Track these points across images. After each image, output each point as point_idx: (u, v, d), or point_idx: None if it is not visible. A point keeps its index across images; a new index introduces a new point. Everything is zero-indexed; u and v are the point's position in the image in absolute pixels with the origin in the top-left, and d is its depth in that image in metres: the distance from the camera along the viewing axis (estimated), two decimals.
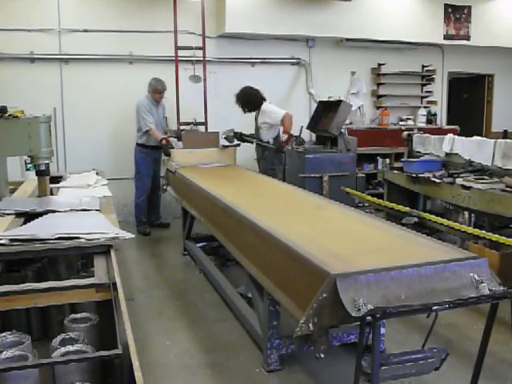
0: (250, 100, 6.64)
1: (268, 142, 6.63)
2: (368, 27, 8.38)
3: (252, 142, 6.85)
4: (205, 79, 7.45)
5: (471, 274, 2.62)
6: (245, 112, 6.72)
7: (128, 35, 7.53)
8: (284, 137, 6.48)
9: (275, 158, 6.66)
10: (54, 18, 7.23)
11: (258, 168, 7.06)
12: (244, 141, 6.73)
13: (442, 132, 7.41)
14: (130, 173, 7.41)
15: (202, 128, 7.42)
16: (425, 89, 9.62)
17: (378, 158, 8.81)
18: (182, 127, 7.26)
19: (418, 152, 6.70)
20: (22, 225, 3.33)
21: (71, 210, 3.66)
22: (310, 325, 2.42)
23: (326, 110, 7.64)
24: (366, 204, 6.95)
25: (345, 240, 3.17)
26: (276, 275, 3.13)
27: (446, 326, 4.17)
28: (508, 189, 4.89)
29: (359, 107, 8.89)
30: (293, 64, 8.64)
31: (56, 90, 7.38)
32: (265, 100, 6.68)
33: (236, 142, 6.62)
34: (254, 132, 6.84)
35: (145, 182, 7.23)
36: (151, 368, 3.58)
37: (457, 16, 9.01)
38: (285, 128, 6.51)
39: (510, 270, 3.72)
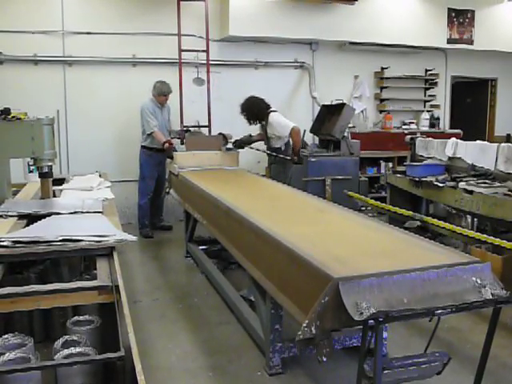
0: (254, 112, 6.48)
1: (280, 148, 6.57)
2: (371, 31, 8.38)
3: (256, 149, 6.85)
4: (208, 82, 7.45)
5: (474, 278, 2.62)
6: (250, 124, 6.59)
7: (131, 37, 7.55)
8: (295, 158, 6.35)
9: (287, 164, 6.58)
10: (58, 20, 7.25)
11: (260, 171, 7.07)
12: (242, 148, 6.71)
13: (444, 136, 7.39)
14: (134, 175, 7.42)
15: (205, 131, 7.43)
16: (428, 93, 9.63)
17: (381, 161, 8.80)
18: (185, 127, 7.27)
19: (421, 156, 6.70)
20: (24, 227, 3.34)
21: (74, 212, 3.67)
22: (313, 328, 2.41)
23: (329, 113, 7.64)
24: (369, 208, 6.95)
25: (347, 243, 3.17)
26: (278, 278, 3.13)
27: (448, 330, 4.16)
28: (511, 193, 4.88)
29: (362, 111, 8.89)
30: (296, 67, 8.64)
31: (59, 92, 7.39)
32: (270, 109, 6.50)
33: (230, 145, 6.61)
34: (251, 133, 6.81)
35: (148, 185, 7.23)
36: (153, 371, 3.58)
37: (460, 20, 9.01)
38: (294, 145, 6.39)
39: None
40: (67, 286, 2.69)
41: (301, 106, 8.65)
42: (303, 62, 8.61)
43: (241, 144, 6.68)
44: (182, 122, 7.26)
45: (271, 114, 6.44)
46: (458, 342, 4.05)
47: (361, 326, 2.40)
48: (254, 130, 6.79)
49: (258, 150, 6.84)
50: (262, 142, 6.82)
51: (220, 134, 6.66)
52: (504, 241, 4.13)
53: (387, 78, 9.16)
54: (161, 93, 7.04)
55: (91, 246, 2.98)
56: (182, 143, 6.94)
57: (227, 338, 4.15)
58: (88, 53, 7.41)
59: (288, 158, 6.33)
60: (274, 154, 6.49)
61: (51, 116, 4.25)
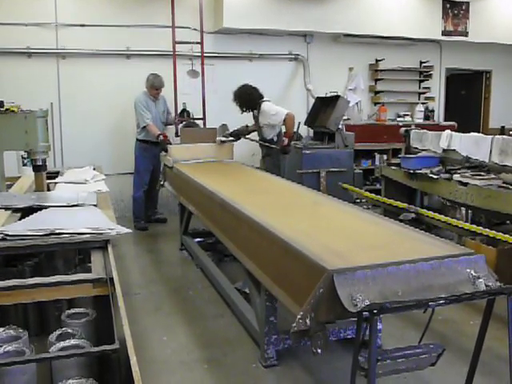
0: (246, 100, 6.44)
1: (272, 140, 6.54)
2: (366, 23, 8.36)
3: (250, 139, 6.82)
4: (203, 74, 7.43)
5: (468, 270, 2.63)
6: (242, 112, 6.56)
7: (125, 30, 7.50)
8: (285, 140, 6.28)
9: (281, 156, 6.56)
10: (51, 12, 7.19)
11: (255, 163, 7.06)
12: (239, 139, 6.67)
13: (439, 128, 7.40)
14: (128, 168, 7.40)
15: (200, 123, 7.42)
16: (422, 85, 9.62)
17: (376, 153, 8.80)
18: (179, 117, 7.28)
19: (416, 148, 6.70)
20: (18, 220, 3.33)
21: (68, 205, 3.66)
22: (307, 320, 2.42)
23: (324, 105, 7.65)
24: (364, 200, 6.96)
25: (342, 236, 3.17)
26: (273, 271, 3.13)
27: (442, 321, 4.18)
28: (505, 185, 4.90)
29: (357, 103, 8.88)
30: (290, 60, 8.62)
31: (53, 84, 7.35)
32: (262, 98, 6.48)
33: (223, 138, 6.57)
34: (247, 124, 6.78)
35: (143, 178, 7.21)
36: (148, 363, 3.58)
37: (455, 12, 9.00)
38: (287, 130, 6.34)
39: (507, 266, 3.73)
40: (62, 279, 2.68)
41: (295, 98, 8.62)
42: (298, 55, 8.59)
43: (237, 134, 6.64)
44: (176, 114, 7.25)
45: (264, 103, 6.43)
46: (452, 333, 4.07)
47: (355, 318, 2.41)
48: (250, 121, 6.78)
49: (252, 140, 6.78)
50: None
51: (225, 127, 6.67)
52: (498, 233, 4.16)
53: (382, 71, 9.14)
54: (153, 86, 7.00)
55: (86, 239, 2.98)
56: (177, 135, 6.94)
57: (222, 330, 4.16)
58: (82, 45, 7.36)
59: (273, 146, 6.34)
60: (262, 142, 6.49)
61: (45, 109, 4.23)
